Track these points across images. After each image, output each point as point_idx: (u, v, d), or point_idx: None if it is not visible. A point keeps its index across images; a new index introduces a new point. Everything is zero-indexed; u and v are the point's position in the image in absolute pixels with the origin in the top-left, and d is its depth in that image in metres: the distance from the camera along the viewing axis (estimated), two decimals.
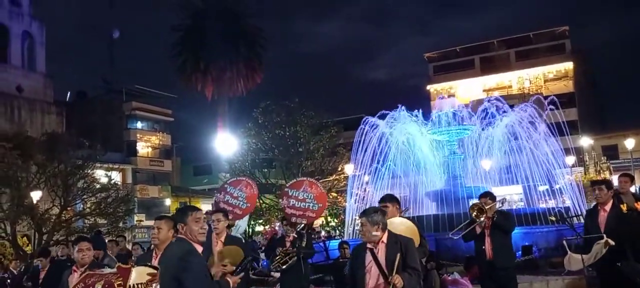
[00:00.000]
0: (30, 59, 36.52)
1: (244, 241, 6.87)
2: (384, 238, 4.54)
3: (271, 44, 48.46)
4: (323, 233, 26.41)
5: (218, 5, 36.82)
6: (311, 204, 9.09)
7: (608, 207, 6.17)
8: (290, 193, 9.26)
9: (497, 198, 6.77)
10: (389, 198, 5.69)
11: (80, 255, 5.33)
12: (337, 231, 27.45)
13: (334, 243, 13.03)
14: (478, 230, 6.49)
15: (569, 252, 6.73)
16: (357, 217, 17.35)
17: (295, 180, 10.27)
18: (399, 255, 4.39)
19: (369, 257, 4.55)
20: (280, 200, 10.33)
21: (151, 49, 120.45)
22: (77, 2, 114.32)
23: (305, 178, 10.15)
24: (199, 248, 4.25)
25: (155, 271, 4.68)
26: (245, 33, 37.23)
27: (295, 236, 8.05)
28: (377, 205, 5.63)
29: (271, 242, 8.84)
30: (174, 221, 4.26)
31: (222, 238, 5.84)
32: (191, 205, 4.80)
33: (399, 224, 5.22)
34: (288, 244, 7.91)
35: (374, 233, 4.51)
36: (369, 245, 4.58)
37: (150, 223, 5.81)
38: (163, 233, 5.04)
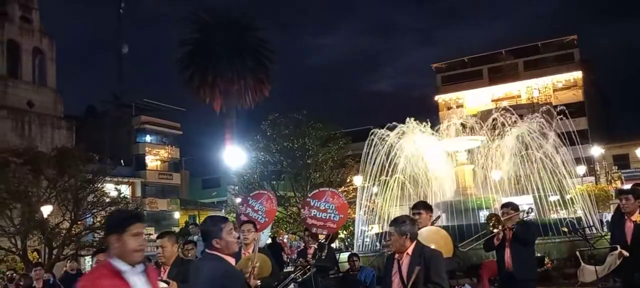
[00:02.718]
0: (40, 75, 36.91)
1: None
2: (410, 250, 4.43)
3: (278, 57, 48.69)
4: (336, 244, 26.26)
5: (225, 19, 37.14)
6: (332, 215, 8.95)
7: (634, 217, 6.01)
8: (312, 204, 9.13)
9: (521, 208, 6.63)
10: (422, 205, 5.53)
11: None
12: (346, 243, 27.31)
13: (343, 256, 12.96)
14: (496, 242, 6.38)
15: (582, 263, 6.65)
16: (366, 228, 17.29)
17: (317, 190, 10.15)
18: (417, 268, 4.27)
19: (395, 267, 4.49)
20: (302, 210, 10.22)
21: (160, 63, 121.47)
22: (86, 18, 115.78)
23: (327, 189, 10.02)
24: (232, 261, 3.89)
25: (167, 285, 4.68)
26: (253, 46, 37.48)
27: (316, 247, 7.90)
28: (391, 215, 5.57)
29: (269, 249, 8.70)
30: (209, 236, 3.80)
31: (250, 250, 5.78)
32: (220, 216, 4.56)
33: (432, 233, 5.12)
34: (309, 255, 7.78)
35: (401, 243, 4.42)
36: (396, 255, 4.52)
37: None
38: (168, 251, 5.01)
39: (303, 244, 9.59)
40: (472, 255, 9.75)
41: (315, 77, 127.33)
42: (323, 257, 7.67)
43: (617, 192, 6.70)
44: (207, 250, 3.82)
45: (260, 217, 8.87)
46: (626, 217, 6.12)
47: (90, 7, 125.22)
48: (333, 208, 8.98)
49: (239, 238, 5.23)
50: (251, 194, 9.70)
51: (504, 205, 6.60)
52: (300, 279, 7.38)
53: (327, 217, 8.92)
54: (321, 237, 8.61)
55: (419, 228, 5.35)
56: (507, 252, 6.31)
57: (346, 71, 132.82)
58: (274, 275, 5.47)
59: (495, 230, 6.26)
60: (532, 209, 7.17)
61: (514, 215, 6.37)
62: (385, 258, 5.26)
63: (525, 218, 6.73)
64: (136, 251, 2.87)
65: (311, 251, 7.86)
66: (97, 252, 5.74)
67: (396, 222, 4.53)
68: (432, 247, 4.79)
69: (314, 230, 8.70)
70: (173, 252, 5.07)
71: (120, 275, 2.83)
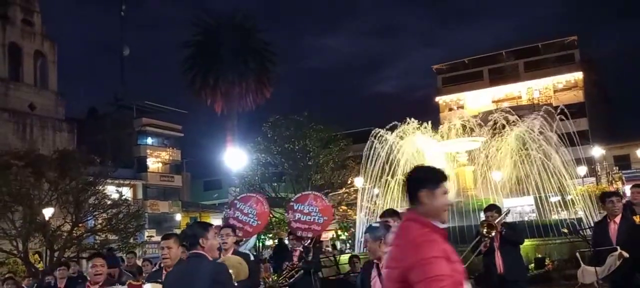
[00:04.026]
0: (42, 77, 37.00)
1: (252, 257, 6.81)
2: None
3: (280, 59, 48.61)
4: (338, 246, 26.27)
5: (229, 21, 37.21)
6: (316, 217, 9.04)
7: (618, 219, 6.01)
8: (295, 208, 9.21)
9: (502, 211, 6.72)
10: (388, 213, 5.65)
11: (94, 271, 5.25)
12: (347, 244, 27.33)
13: (345, 257, 12.98)
14: (483, 249, 6.43)
15: (582, 265, 6.65)
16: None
17: (300, 194, 10.24)
18: None
19: (374, 272, 4.57)
20: (286, 214, 10.28)
21: (161, 65, 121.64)
22: (89, 21, 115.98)
23: (310, 192, 10.11)
24: None
25: None
26: (255, 49, 37.52)
27: (302, 250, 7.98)
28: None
29: (277, 253, 8.76)
30: (196, 236, 4.07)
31: (230, 254, 5.84)
32: (206, 222, 4.77)
33: None
34: (295, 258, 7.85)
35: (377, 248, 4.50)
36: (375, 260, 4.60)
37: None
38: (174, 252, 5.05)
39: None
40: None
41: (316, 79, 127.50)
42: (310, 259, 7.77)
43: (605, 194, 6.60)
44: (193, 251, 4.00)
45: (252, 220, 8.89)
46: (608, 220, 6.12)
47: (93, 10, 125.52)
48: (317, 210, 9.05)
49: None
50: (238, 197, 9.72)
51: (487, 209, 6.68)
52: (291, 281, 7.41)
53: (312, 220, 9.00)
54: (305, 241, 8.70)
55: None
56: (497, 254, 6.36)
57: (347, 72, 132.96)
58: (251, 278, 5.47)
59: (492, 235, 6.32)
60: (509, 210, 7.29)
61: (499, 218, 6.45)
62: (363, 265, 5.33)
63: (505, 221, 6.79)
64: (445, 209, 2.75)
65: (297, 254, 7.92)
66: (92, 256, 5.73)
67: (370, 228, 4.69)
68: None
69: (298, 233, 8.76)
70: (178, 253, 5.10)
71: (441, 232, 2.66)
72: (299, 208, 9.15)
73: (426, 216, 2.67)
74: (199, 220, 40.12)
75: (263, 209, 9.06)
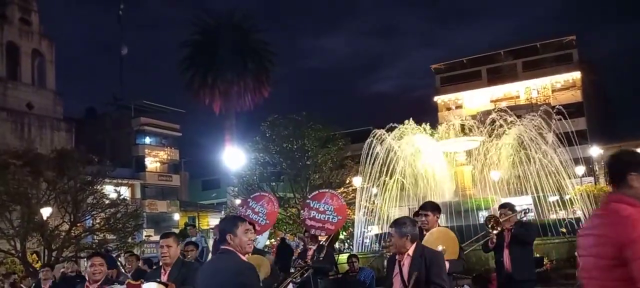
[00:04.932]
0: (40, 77, 36.94)
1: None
2: (410, 251, 4.41)
3: (278, 59, 48.56)
4: (337, 245, 26.24)
5: (228, 21, 37.19)
6: (331, 216, 8.97)
7: None
8: (311, 205, 9.14)
9: (518, 209, 6.66)
10: (429, 207, 5.52)
11: (93, 270, 5.25)
12: (345, 244, 27.33)
13: (343, 257, 12.97)
14: (490, 245, 6.39)
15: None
16: (365, 229, 17.30)
17: (317, 191, 10.14)
18: (415, 273, 4.27)
19: (396, 268, 4.49)
20: (302, 211, 10.21)
21: (160, 65, 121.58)
22: (87, 20, 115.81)
23: (327, 191, 10.01)
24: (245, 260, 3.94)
25: (165, 287, 4.69)
26: (254, 48, 37.53)
27: (315, 249, 7.95)
28: (390, 216, 5.59)
29: (278, 253, 8.70)
30: (224, 232, 3.84)
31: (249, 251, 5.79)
32: (238, 216, 4.60)
33: (441, 234, 5.12)
34: (309, 257, 7.80)
35: (401, 244, 4.41)
36: (397, 257, 4.52)
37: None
38: (173, 250, 5.03)
39: (302, 245, 9.62)
40: (471, 256, 9.79)
41: (316, 79, 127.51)
42: (321, 258, 7.70)
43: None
44: (221, 246, 3.84)
45: (261, 219, 8.86)
46: None
47: (92, 10, 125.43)
48: (332, 210, 8.98)
49: None
50: (252, 196, 9.68)
51: (502, 206, 6.62)
52: (299, 280, 7.38)
53: (326, 219, 8.93)
54: (321, 239, 8.63)
55: (427, 230, 5.36)
56: (506, 253, 6.30)
57: (346, 72, 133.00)
58: (273, 276, 5.46)
59: (494, 232, 6.27)
60: (528, 210, 7.20)
61: (512, 216, 6.39)
62: (386, 260, 5.26)
63: (522, 219, 6.74)
64: None
65: (311, 252, 7.88)
66: (91, 255, 5.73)
67: (397, 223, 4.52)
68: (441, 248, 4.80)
69: (312, 231, 8.72)
70: (177, 252, 5.08)
71: None
72: (315, 206, 9.07)
73: (635, 198, 2.65)
74: (196, 219, 40.15)
75: (273, 209, 9.02)
